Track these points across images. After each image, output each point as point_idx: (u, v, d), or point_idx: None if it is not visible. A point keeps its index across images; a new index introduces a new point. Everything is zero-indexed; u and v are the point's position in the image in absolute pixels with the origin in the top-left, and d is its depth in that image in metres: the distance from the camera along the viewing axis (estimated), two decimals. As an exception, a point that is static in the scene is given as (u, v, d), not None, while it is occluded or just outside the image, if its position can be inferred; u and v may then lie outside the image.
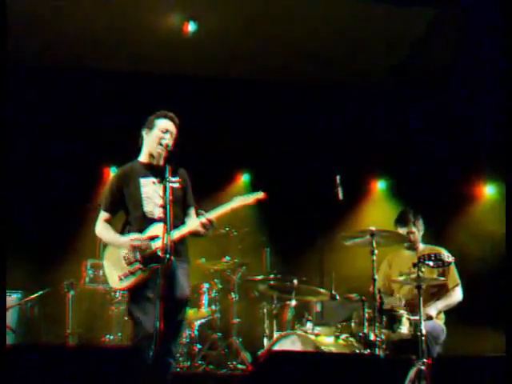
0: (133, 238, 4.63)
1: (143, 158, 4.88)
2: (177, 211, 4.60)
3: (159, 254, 4.48)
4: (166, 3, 7.48)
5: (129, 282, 4.64)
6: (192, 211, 4.84)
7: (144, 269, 4.60)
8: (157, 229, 4.57)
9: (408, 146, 8.50)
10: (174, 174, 4.62)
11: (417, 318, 5.23)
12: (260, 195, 4.75)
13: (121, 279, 4.67)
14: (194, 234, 4.73)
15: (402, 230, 6.01)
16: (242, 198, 4.73)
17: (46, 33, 7.69)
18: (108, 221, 4.82)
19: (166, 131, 4.78)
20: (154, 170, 4.76)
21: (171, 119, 4.83)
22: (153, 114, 4.88)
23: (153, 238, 4.61)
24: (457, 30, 7.62)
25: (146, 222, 4.66)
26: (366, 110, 8.62)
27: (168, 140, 4.75)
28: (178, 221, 4.63)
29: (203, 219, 4.61)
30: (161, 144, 4.72)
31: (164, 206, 4.33)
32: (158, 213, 4.63)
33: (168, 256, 4.20)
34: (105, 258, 4.79)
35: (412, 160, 8.45)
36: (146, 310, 4.50)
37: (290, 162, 8.55)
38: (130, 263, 4.64)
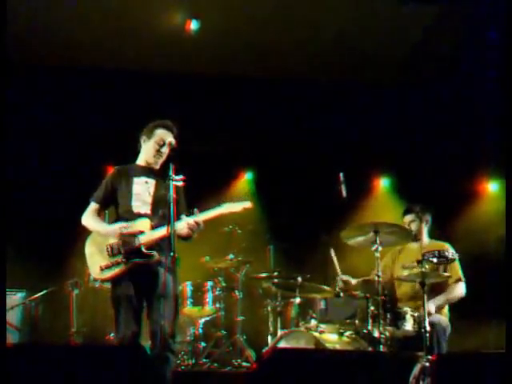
0: (122, 225, 4.69)
1: (140, 161, 5.02)
2: (167, 212, 4.60)
3: (143, 249, 4.61)
4: (169, 1, 7.49)
5: (110, 273, 4.72)
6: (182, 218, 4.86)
7: (126, 262, 4.66)
8: (142, 224, 4.70)
9: (411, 143, 8.49)
10: (177, 173, 4.67)
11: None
12: (247, 204, 4.83)
13: (102, 270, 4.74)
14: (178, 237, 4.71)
15: (406, 219, 6.12)
16: (230, 204, 4.80)
17: (46, 32, 7.69)
18: (96, 212, 4.92)
19: (163, 144, 4.88)
20: (148, 172, 4.91)
21: (169, 129, 4.92)
22: (151, 123, 4.98)
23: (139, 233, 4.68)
24: (458, 29, 7.60)
25: (132, 216, 4.75)
26: (368, 107, 8.60)
27: (163, 151, 4.88)
28: (166, 221, 4.61)
29: (190, 221, 4.64)
30: (155, 156, 4.87)
31: (168, 204, 4.42)
32: (144, 209, 4.75)
33: (169, 253, 4.30)
34: (87, 246, 4.86)
35: (415, 157, 8.44)
36: (125, 310, 4.64)
37: (293, 160, 8.54)
38: (112, 255, 4.71)
